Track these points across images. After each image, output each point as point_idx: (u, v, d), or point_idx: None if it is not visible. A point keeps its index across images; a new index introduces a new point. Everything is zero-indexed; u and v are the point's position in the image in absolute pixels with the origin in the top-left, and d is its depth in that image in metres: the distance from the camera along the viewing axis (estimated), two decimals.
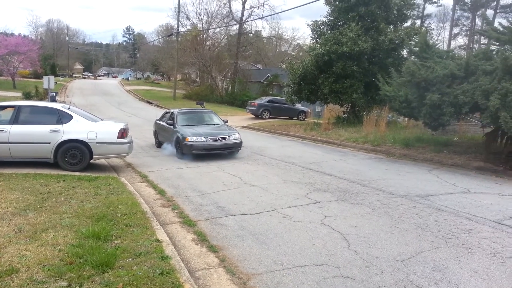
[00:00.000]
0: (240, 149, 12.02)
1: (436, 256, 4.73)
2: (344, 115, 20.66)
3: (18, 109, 8.87)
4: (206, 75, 47.82)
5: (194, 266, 4.41)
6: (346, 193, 7.67)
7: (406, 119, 17.10)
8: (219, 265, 4.46)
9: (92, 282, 3.67)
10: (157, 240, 4.76)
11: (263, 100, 28.42)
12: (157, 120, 14.34)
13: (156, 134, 14.02)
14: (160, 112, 19.41)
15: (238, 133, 12.23)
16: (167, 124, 12.77)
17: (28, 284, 3.54)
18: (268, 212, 6.40)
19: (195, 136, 11.20)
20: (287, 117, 27.37)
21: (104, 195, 6.73)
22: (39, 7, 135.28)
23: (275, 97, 29.86)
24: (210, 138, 11.33)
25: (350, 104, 19.98)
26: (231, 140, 11.65)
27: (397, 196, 7.54)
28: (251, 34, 48.81)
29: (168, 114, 13.62)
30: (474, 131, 15.25)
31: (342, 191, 7.87)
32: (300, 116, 27.69)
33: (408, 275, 4.24)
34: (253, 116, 27.27)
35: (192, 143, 11.03)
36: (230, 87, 45.79)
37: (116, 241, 4.67)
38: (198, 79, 57.32)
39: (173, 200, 7.07)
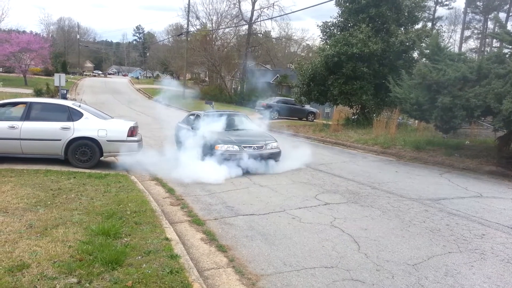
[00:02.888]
0: (279, 160, 10.04)
1: (448, 260, 4.66)
2: (353, 117, 20.57)
3: (29, 106, 8.94)
4: (215, 74, 47.89)
5: (203, 266, 4.40)
6: (356, 195, 7.61)
7: (417, 121, 16.97)
8: (228, 265, 4.43)
9: (101, 279, 3.67)
10: (166, 239, 4.76)
11: (272, 100, 28.41)
12: (179, 123, 12.52)
13: (177, 138, 11.80)
14: (168, 111, 19.43)
15: (276, 140, 10.27)
16: (192, 128, 10.83)
17: (38, 280, 3.56)
18: (277, 212, 6.37)
19: (226, 144, 9.44)
20: (296, 118, 27.36)
21: (114, 192, 6.75)
22: (51, 5, 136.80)
23: (284, 98, 29.83)
24: (244, 147, 9.49)
25: (359, 106, 19.88)
26: (269, 149, 9.78)
27: (408, 199, 7.46)
28: (261, 35, 48.78)
29: (193, 117, 11.80)
30: (486, 135, 15.09)
31: (352, 193, 7.81)
32: (309, 117, 27.68)
33: (419, 279, 4.18)
34: (261, 116, 27.23)
35: (223, 152, 9.24)
36: (239, 87, 45.82)
37: (125, 239, 4.67)
38: (207, 79, 57.45)
39: (182, 199, 7.06)
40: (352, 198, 7.42)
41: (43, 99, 11.78)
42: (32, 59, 42.57)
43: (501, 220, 6.26)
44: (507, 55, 11.09)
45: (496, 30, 28.78)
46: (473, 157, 11.51)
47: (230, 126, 10.90)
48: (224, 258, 4.59)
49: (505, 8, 51.46)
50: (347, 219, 6.10)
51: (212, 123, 10.60)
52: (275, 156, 9.88)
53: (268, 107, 27.04)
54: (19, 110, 9.04)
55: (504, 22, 11.80)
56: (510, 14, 50.19)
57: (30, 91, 31.56)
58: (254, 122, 12.20)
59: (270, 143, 9.97)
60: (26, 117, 8.76)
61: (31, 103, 9.11)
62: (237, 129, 10.87)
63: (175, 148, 11.61)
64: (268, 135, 10.75)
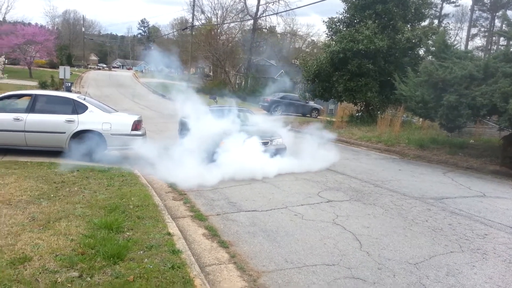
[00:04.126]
0: (284, 156, 9.78)
1: (450, 260, 4.65)
2: (357, 114, 20.48)
3: (34, 98, 8.96)
4: (220, 69, 47.84)
5: (205, 261, 4.41)
6: (358, 193, 7.59)
7: (421, 119, 16.89)
8: (229, 261, 4.44)
9: (103, 273, 3.68)
10: (169, 234, 4.77)
11: (276, 96, 28.32)
12: (183, 117, 11.79)
13: (181, 133, 11.40)
14: (172, 105, 19.34)
15: (281, 136, 10.17)
16: (197, 122, 10.13)
17: (40, 273, 3.57)
18: (280, 209, 6.37)
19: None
20: (300, 114, 27.27)
21: (117, 186, 6.76)
22: None
23: (288, 94, 29.73)
24: None
25: (364, 103, 19.80)
26: (274, 145, 9.65)
27: (410, 197, 7.44)
28: (266, 30, 48.57)
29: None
30: (491, 134, 15.01)
31: (355, 190, 7.79)
32: (312, 114, 27.57)
33: (420, 278, 4.17)
34: (265, 112, 27.19)
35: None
36: (243, 82, 45.76)
37: (128, 233, 4.68)
38: (211, 73, 57.37)
39: (185, 194, 7.07)
40: (355, 196, 7.40)
41: (48, 92, 11.80)
42: (37, 51, 42.66)
43: (504, 221, 6.23)
44: None
45: (503, 28, 28.50)
46: (477, 157, 11.45)
47: (235, 121, 10.61)
48: (225, 254, 4.60)
49: None
50: (349, 217, 6.09)
51: (217, 118, 10.32)
52: (280, 152, 9.69)
53: (272, 102, 26.98)
54: (24, 102, 9.06)
55: (511, 20, 11.68)
56: None
57: (35, 83, 31.60)
58: (258, 118, 12.13)
59: (275, 139, 9.84)
60: (31, 109, 8.78)
61: (36, 95, 9.13)
62: (243, 125, 10.57)
63: (179, 142, 11.47)
64: (273, 131, 10.57)
